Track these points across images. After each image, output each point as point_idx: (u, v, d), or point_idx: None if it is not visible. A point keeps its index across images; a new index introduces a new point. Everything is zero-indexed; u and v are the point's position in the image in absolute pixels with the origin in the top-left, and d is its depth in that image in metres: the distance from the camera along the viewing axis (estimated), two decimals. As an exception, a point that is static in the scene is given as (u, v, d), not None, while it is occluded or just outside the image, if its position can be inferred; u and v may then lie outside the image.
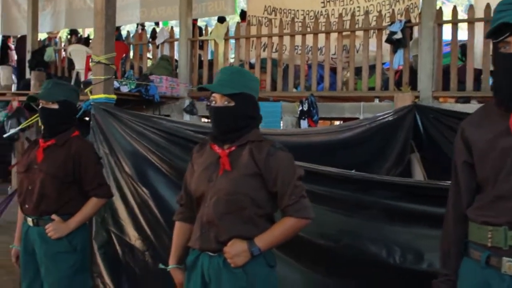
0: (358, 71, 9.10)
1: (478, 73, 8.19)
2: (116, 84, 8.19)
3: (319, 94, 8.97)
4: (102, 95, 4.43)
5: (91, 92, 4.54)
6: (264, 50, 9.93)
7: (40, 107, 3.70)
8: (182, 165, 3.91)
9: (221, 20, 11.33)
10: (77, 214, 3.65)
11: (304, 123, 8.55)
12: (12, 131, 8.93)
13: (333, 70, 9.22)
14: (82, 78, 10.03)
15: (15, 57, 13.65)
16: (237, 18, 12.20)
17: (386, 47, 8.72)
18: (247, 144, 2.77)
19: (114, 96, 4.51)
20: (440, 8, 8.37)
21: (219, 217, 2.69)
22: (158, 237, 4.06)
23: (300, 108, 8.54)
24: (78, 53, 10.24)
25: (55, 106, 3.68)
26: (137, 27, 12.95)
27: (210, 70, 10.14)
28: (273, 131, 6.42)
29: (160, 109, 9.75)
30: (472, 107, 7.66)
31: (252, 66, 9.75)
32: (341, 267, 3.33)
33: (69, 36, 12.83)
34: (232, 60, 10.58)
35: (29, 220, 3.66)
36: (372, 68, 8.95)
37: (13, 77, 12.41)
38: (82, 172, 3.66)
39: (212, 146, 2.85)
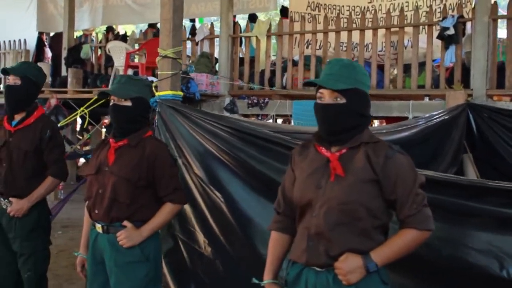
0: (406, 68, 8.77)
1: (535, 70, 7.86)
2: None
3: (366, 92, 8.63)
4: (169, 92, 4.17)
5: (156, 89, 4.26)
6: (307, 47, 9.62)
7: (111, 104, 3.42)
8: (259, 167, 3.69)
9: (252, 18, 11.05)
10: (151, 221, 3.38)
11: (351, 122, 8.24)
12: (51, 129, 8.75)
13: (380, 68, 8.89)
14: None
15: (49, 54, 13.50)
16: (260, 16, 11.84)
17: (436, 43, 8.39)
18: (360, 146, 2.49)
19: (181, 93, 4.24)
20: (495, 2, 8.01)
21: (330, 228, 2.41)
22: (232, 245, 3.81)
23: (348, 106, 8.22)
24: (117, 49, 10.03)
25: (128, 104, 3.39)
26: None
27: (252, 67, 9.85)
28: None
29: (200, 107, 9.51)
30: (528, 106, 7.37)
31: (295, 63, 9.45)
32: (444, 280, 3.05)
33: (105, 33, 12.64)
34: (274, 58, 10.29)
35: (98, 226, 3.40)
36: (421, 65, 8.61)
37: (48, 74, 12.29)
38: (157, 175, 3.39)
39: (318, 148, 2.57)
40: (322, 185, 2.47)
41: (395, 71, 8.94)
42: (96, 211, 3.39)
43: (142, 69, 9.45)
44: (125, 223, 3.33)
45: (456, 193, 3.05)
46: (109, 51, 10.32)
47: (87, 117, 9.26)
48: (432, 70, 8.48)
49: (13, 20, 13.43)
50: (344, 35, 9.14)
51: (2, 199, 4.11)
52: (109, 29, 12.60)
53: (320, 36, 9.41)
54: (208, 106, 9.68)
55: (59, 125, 8.75)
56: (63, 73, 11.53)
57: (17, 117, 4.14)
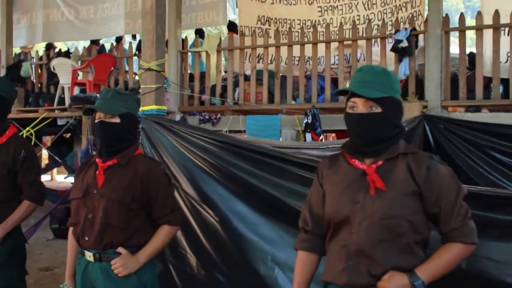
0: (360, 81, 8.75)
1: (487, 81, 7.99)
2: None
3: (321, 105, 8.57)
4: (154, 107, 3.92)
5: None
6: (259, 62, 9.50)
7: (98, 121, 3.14)
8: (255, 183, 3.49)
9: (199, 32, 10.87)
10: (148, 246, 3.13)
11: (308, 136, 8.17)
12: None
13: (334, 81, 8.85)
14: (67, 93, 9.47)
15: (-16, 73, 12.88)
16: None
17: (389, 55, 8.43)
18: (398, 158, 2.34)
19: (165, 108, 4.00)
20: (447, 15, 8.12)
21: (373, 246, 2.26)
22: (228, 266, 3.60)
23: (305, 120, 8.14)
24: (62, 67, 9.64)
25: (117, 120, 3.12)
26: (117, 40, 12.33)
27: (202, 83, 9.64)
28: (296, 144, 6.02)
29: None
30: (482, 116, 7.48)
31: (247, 78, 9.30)
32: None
33: (45, 50, 12.13)
34: (224, 73, 10.12)
35: (89, 254, 3.12)
36: (375, 77, 8.61)
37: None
38: (152, 196, 3.14)
39: (351, 161, 2.41)
40: (359, 200, 2.32)
41: (348, 84, 8.91)
42: (86, 238, 3.11)
43: (90, 86, 9.13)
44: (120, 249, 3.07)
45: (474, 204, 2.94)
46: (53, 68, 9.90)
47: (33, 137, 8.87)
48: (385, 82, 8.49)
49: None
50: (296, 48, 9.06)
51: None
52: (50, 46, 12.12)
53: (272, 50, 9.30)
54: (158, 123, 9.39)
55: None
56: (1, 92, 10.96)
57: (-13, 137, 3.80)
